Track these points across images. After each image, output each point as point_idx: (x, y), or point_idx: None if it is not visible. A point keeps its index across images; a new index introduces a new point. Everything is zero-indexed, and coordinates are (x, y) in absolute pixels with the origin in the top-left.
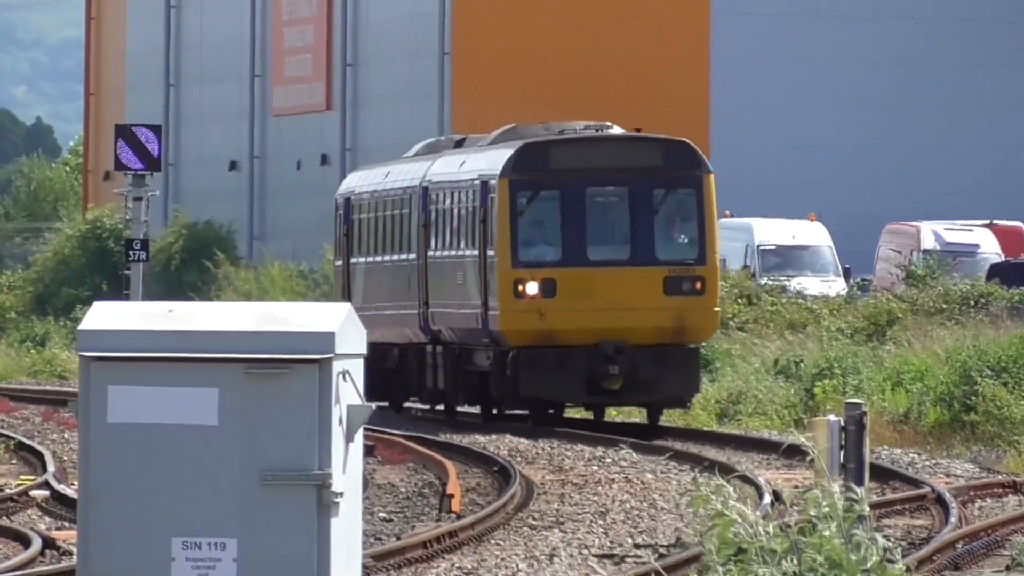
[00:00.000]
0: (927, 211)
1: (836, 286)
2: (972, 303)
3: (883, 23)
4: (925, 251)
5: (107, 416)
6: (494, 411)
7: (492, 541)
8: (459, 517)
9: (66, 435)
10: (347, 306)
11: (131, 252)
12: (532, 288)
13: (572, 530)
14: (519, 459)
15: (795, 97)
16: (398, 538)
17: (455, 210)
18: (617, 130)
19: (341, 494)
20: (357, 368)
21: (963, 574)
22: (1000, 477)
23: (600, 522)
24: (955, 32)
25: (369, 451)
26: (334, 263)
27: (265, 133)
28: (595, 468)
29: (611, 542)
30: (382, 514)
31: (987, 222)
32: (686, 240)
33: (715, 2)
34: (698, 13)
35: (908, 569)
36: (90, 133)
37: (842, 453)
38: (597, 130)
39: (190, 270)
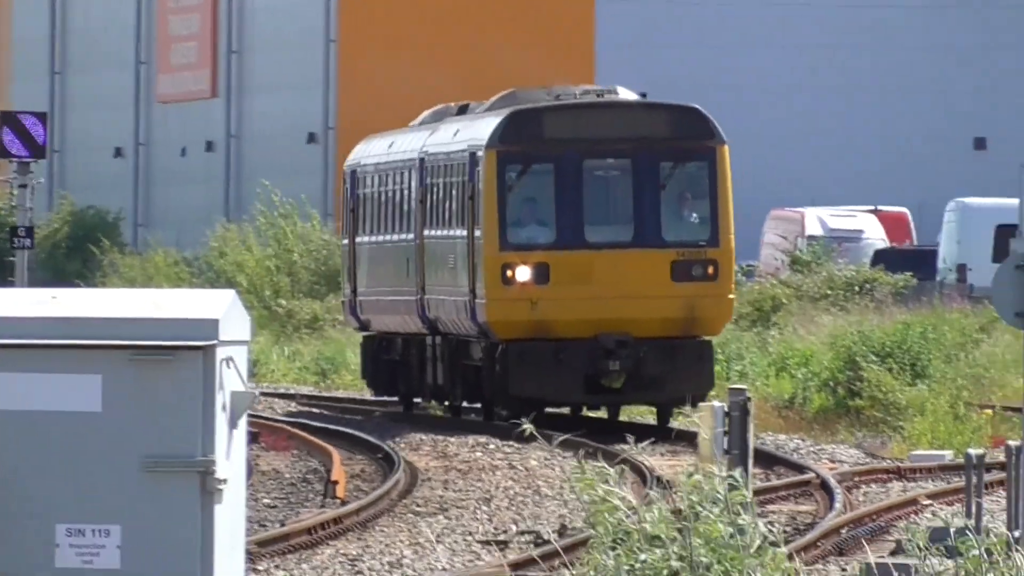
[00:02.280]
0: (812, 197)
1: None
2: (857, 289)
3: (767, 5)
4: (810, 237)
5: None
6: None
7: (377, 527)
8: (344, 503)
9: None
10: (231, 293)
11: (16, 239)
12: (522, 274)
13: (456, 516)
14: (403, 446)
15: (680, 84)
16: (282, 524)
17: (448, 185)
18: (626, 95)
19: (225, 481)
20: (241, 355)
21: (848, 559)
22: (885, 463)
23: (484, 508)
24: (838, 16)
25: (253, 438)
26: (340, 243)
27: (150, 120)
28: (479, 454)
29: (495, 528)
30: (266, 500)
31: (872, 208)
32: (697, 219)
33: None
34: (583, 5)
35: (791, 555)
36: None
37: (726, 439)
38: (598, 95)
39: (75, 257)
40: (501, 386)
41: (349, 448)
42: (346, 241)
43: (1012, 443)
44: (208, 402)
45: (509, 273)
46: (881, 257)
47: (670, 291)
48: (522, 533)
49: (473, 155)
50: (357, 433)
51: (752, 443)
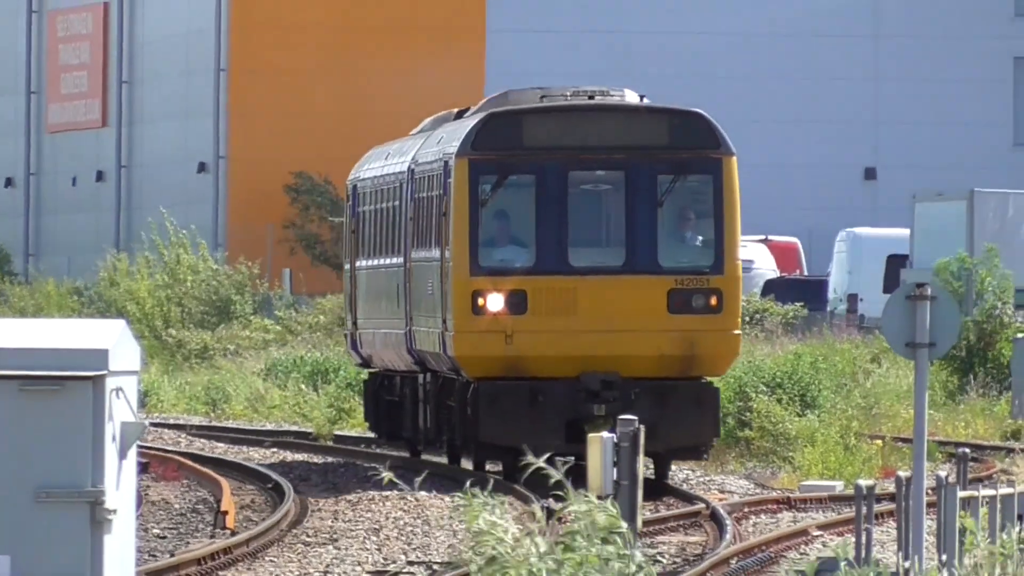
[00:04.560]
0: None
1: None
2: (747, 319)
3: (650, 33)
4: None
5: None
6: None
7: (267, 558)
8: (233, 534)
9: None
10: (121, 323)
11: None
12: (495, 302)
13: (346, 546)
14: (293, 476)
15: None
16: (172, 555)
17: (429, 200)
18: (631, 97)
19: (115, 511)
20: (131, 385)
21: None
22: (774, 493)
23: (374, 538)
24: (727, 44)
25: (143, 468)
26: (343, 267)
27: (41, 149)
28: (369, 485)
29: (385, 558)
30: (156, 531)
31: (762, 238)
32: (699, 242)
33: (490, 20)
34: (474, 30)
35: None
36: None
37: (616, 470)
38: (590, 96)
39: None
40: (472, 431)
41: (239, 478)
42: (347, 266)
43: (902, 474)
44: (98, 432)
45: (480, 301)
46: (771, 287)
47: (666, 324)
48: (411, 563)
49: (446, 164)
50: (247, 463)
51: (642, 473)
